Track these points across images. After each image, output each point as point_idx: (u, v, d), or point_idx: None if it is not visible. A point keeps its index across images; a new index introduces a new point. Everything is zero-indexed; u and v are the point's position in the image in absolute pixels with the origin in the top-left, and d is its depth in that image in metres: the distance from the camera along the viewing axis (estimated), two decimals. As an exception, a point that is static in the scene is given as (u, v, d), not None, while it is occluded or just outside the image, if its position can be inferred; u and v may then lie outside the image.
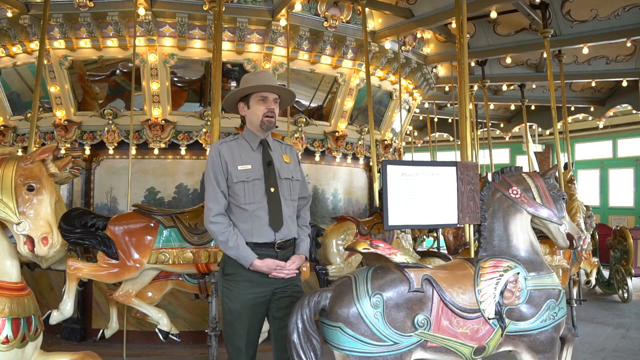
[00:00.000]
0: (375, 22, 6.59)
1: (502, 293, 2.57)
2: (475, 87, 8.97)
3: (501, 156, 14.59)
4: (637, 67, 7.72)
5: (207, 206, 2.62)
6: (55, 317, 3.74)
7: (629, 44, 6.69)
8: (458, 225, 3.11)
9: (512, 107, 11.32)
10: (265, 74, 2.79)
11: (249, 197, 2.60)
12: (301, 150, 6.28)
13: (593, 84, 9.21)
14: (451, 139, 12.42)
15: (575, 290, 6.33)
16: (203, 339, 4.65)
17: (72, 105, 5.83)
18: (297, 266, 2.67)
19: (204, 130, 5.72)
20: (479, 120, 10.66)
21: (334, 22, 5.96)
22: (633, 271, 7.55)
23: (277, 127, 4.46)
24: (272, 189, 2.62)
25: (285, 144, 2.88)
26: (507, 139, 13.31)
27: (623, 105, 9.79)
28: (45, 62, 5.49)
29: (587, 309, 6.95)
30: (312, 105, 6.81)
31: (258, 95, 2.67)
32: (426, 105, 11.10)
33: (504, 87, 9.38)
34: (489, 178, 3.06)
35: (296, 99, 6.51)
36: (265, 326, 2.75)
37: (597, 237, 8.74)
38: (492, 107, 11.38)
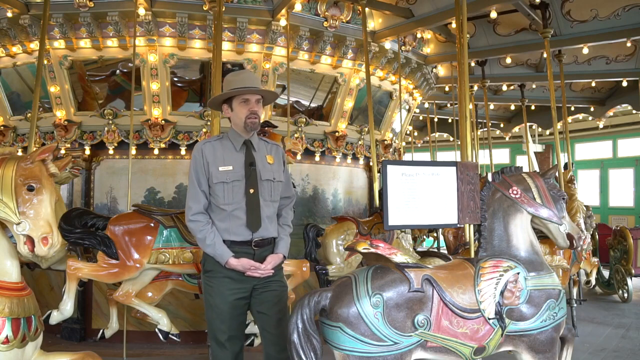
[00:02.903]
0: (375, 22, 6.59)
1: (502, 293, 2.57)
2: (475, 87, 8.97)
3: (501, 156, 14.58)
4: (637, 67, 7.71)
5: (187, 205, 2.68)
6: (55, 317, 3.74)
7: (629, 44, 6.69)
8: (458, 225, 3.12)
9: (512, 107, 11.31)
10: (247, 75, 2.79)
11: (227, 197, 2.64)
12: (301, 150, 6.26)
13: (593, 84, 9.20)
14: (451, 139, 12.41)
15: (575, 290, 6.33)
16: (203, 339, 4.65)
17: (72, 105, 5.83)
18: (272, 266, 2.69)
19: (204, 130, 5.72)
20: (479, 120, 10.65)
21: (334, 22, 5.95)
22: (633, 271, 7.55)
23: (276, 127, 4.48)
24: (252, 190, 2.65)
25: (271, 144, 2.88)
26: (507, 139, 13.30)
27: (623, 105, 9.78)
28: (45, 62, 5.49)
29: (587, 309, 6.95)
30: (312, 105, 6.81)
31: (240, 98, 2.69)
32: (426, 105, 11.09)
33: (504, 87, 9.37)
34: (489, 178, 3.06)
35: (296, 99, 6.53)
36: None
37: (597, 237, 8.74)
38: (492, 107, 11.37)
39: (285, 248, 2.80)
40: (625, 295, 7.54)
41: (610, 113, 10.34)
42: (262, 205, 2.67)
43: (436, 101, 10.78)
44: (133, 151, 5.27)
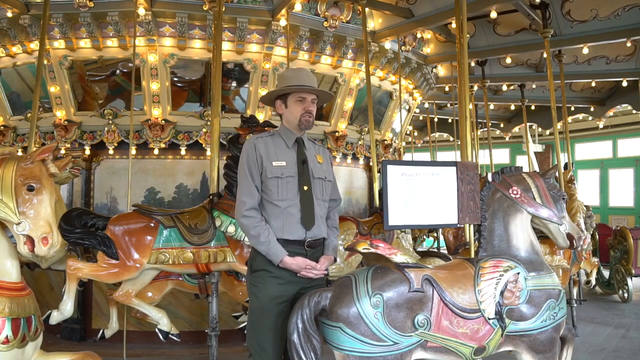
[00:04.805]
0: (375, 22, 6.59)
1: (502, 293, 2.57)
2: (475, 87, 8.97)
3: (501, 156, 14.59)
4: (637, 67, 7.71)
5: (240, 200, 2.61)
6: (55, 317, 3.73)
7: (629, 44, 6.68)
8: (458, 225, 3.11)
9: (512, 107, 11.31)
10: (305, 73, 2.74)
11: (282, 193, 2.60)
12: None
13: (593, 84, 9.21)
14: (451, 139, 12.42)
15: (575, 290, 6.33)
16: (203, 339, 4.65)
17: (72, 105, 5.83)
18: (326, 267, 2.66)
19: (204, 130, 5.71)
20: (479, 120, 10.65)
21: (334, 22, 5.96)
22: (633, 271, 7.55)
23: (276, 127, 4.47)
24: (305, 187, 2.62)
25: (318, 145, 2.88)
26: (507, 139, 13.30)
27: (623, 105, 9.79)
28: (45, 62, 5.48)
29: (587, 309, 6.95)
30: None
31: (297, 95, 2.65)
32: (426, 105, 11.10)
33: (504, 87, 9.38)
34: (489, 178, 3.06)
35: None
36: None
37: (597, 237, 8.74)
38: (492, 107, 11.37)
39: (335, 250, 2.77)
40: (625, 295, 7.54)
41: (610, 113, 10.35)
42: (315, 204, 2.64)
43: (436, 101, 10.78)
44: (133, 151, 5.27)
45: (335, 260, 2.76)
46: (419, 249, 6.51)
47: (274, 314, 2.56)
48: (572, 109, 10.60)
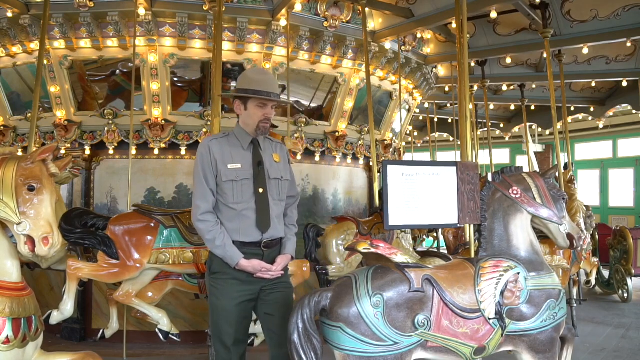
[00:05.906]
0: (375, 22, 6.59)
1: (502, 293, 2.57)
2: (475, 87, 8.96)
3: (501, 156, 14.58)
4: (637, 67, 7.71)
5: (194, 204, 2.61)
6: (56, 317, 3.74)
7: (629, 44, 6.68)
8: (458, 225, 3.12)
9: (512, 107, 11.31)
10: (269, 78, 2.71)
11: (237, 196, 2.59)
12: (301, 150, 6.26)
13: (593, 84, 9.21)
14: (451, 139, 12.41)
15: (575, 290, 6.34)
16: (203, 339, 4.65)
17: (72, 105, 5.83)
18: (282, 267, 2.67)
19: (204, 130, 5.72)
20: (479, 120, 10.65)
21: (334, 22, 5.96)
22: (633, 271, 7.55)
23: (276, 127, 4.47)
24: (261, 190, 2.62)
25: (275, 142, 2.85)
26: (507, 139, 13.29)
27: (623, 105, 9.79)
28: (45, 62, 5.49)
29: (587, 309, 6.95)
30: (312, 105, 6.81)
31: (258, 101, 2.63)
32: (426, 105, 11.09)
33: (504, 87, 9.38)
34: (489, 178, 3.06)
35: (296, 99, 6.53)
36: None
37: (597, 237, 8.74)
38: (492, 107, 11.37)
39: (292, 248, 2.77)
40: (625, 295, 7.54)
41: (610, 113, 10.35)
42: (271, 205, 2.64)
43: (436, 101, 10.78)
44: (133, 151, 5.27)
45: (292, 258, 2.76)
46: (419, 249, 6.51)
47: (236, 314, 2.59)
48: (572, 109, 10.59)
